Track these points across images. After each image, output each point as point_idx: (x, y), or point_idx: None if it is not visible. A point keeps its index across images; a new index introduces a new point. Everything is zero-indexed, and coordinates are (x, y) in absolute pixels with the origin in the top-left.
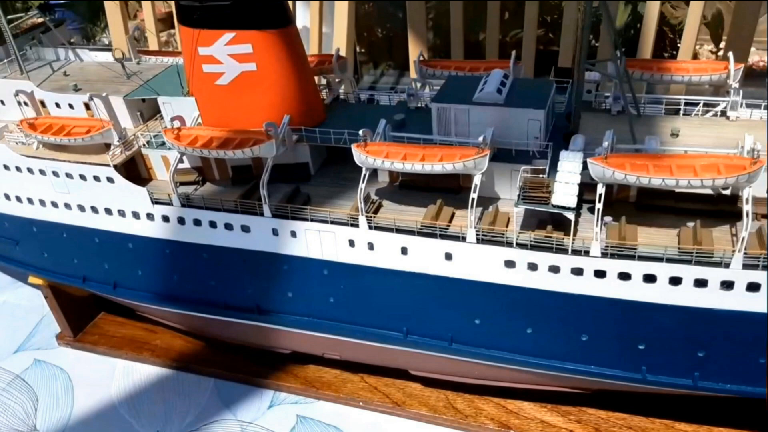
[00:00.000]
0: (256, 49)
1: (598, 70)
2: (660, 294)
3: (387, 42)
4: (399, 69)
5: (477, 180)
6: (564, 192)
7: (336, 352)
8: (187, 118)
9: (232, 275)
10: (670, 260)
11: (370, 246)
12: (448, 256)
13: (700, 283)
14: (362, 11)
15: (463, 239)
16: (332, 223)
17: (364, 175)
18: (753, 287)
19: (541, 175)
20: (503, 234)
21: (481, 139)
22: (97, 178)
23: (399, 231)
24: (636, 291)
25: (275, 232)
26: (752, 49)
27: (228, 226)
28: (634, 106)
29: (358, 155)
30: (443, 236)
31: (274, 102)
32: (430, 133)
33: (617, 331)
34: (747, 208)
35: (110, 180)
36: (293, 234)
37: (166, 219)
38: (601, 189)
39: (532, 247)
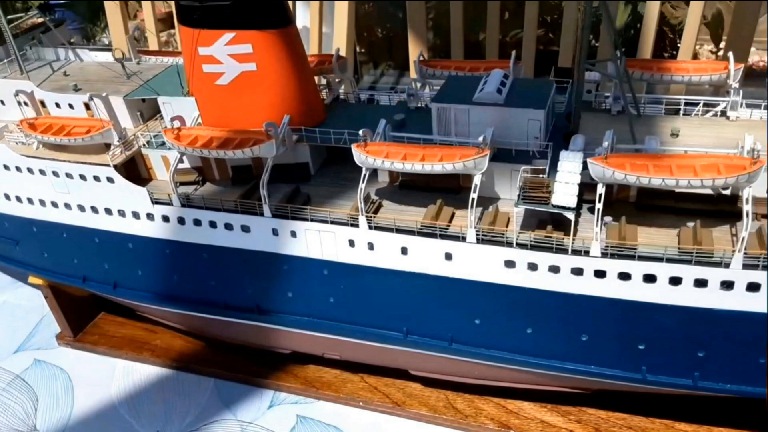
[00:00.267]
0: (256, 49)
1: (598, 70)
2: (660, 294)
3: (387, 42)
4: (399, 69)
5: (477, 180)
6: (564, 192)
7: (336, 352)
8: (187, 118)
9: (232, 275)
10: (670, 260)
11: (370, 246)
12: (448, 256)
13: (700, 283)
14: (362, 11)
15: (463, 239)
16: (332, 223)
17: (364, 175)
18: (753, 287)
19: (541, 175)
20: (503, 234)
21: (481, 139)
22: (97, 178)
23: (399, 231)
24: (636, 291)
25: (275, 232)
26: (752, 49)
27: (228, 226)
28: (634, 106)
29: (358, 155)
30: (443, 236)
31: (274, 102)
32: (430, 133)
33: (617, 331)
34: (747, 208)
35: (110, 180)
36: (293, 234)
37: (166, 219)
38: (601, 189)
39: (532, 247)
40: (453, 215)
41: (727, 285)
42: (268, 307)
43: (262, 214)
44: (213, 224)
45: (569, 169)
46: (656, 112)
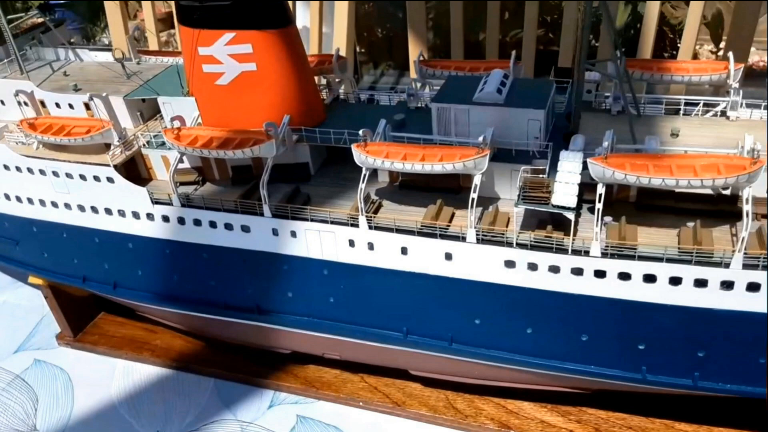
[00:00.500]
0: (256, 49)
1: (598, 70)
2: (660, 294)
3: (387, 42)
4: (399, 69)
5: (477, 180)
6: (564, 192)
7: (336, 352)
8: (187, 118)
9: (232, 275)
10: (670, 260)
11: (370, 246)
12: (448, 256)
13: (700, 283)
14: (362, 11)
15: (463, 239)
16: (332, 223)
17: (364, 175)
18: (753, 287)
19: (541, 175)
20: (503, 234)
21: (481, 139)
22: (97, 178)
23: (399, 231)
24: (636, 291)
25: (275, 232)
26: (752, 49)
27: (228, 226)
28: (634, 106)
29: (358, 155)
30: (443, 236)
31: (274, 102)
32: (430, 133)
33: (617, 331)
34: (747, 208)
35: (110, 180)
36: (293, 234)
37: (166, 219)
38: (601, 189)
39: (532, 247)
40: (453, 215)
41: (727, 285)
42: (268, 307)
43: (262, 214)
44: (213, 224)
45: (569, 169)
46: (656, 112)
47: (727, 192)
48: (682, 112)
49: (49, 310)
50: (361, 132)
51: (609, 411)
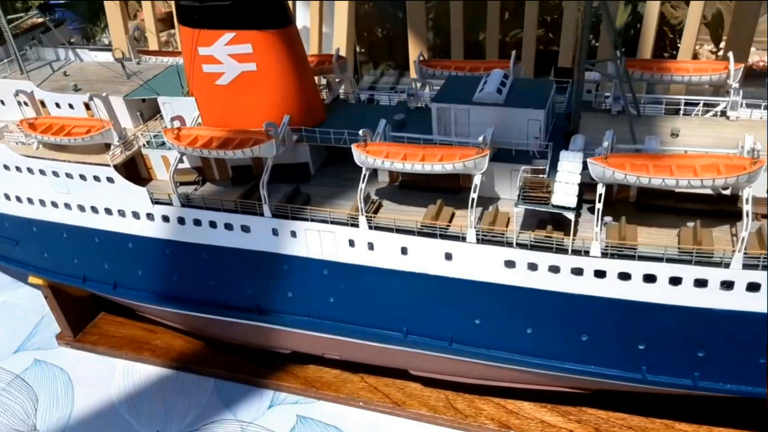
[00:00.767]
0: (256, 49)
1: (598, 70)
2: (660, 294)
3: (387, 42)
4: (399, 69)
5: (477, 180)
6: (564, 192)
7: (336, 352)
8: (187, 118)
9: (232, 275)
10: (670, 260)
11: (370, 246)
12: (448, 256)
13: (700, 283)
14: (362, 11)
15: (463, 239)
16: (332, 223)
17: (364, 175)
18: (753, 287)
19: (541, 175)
20: (503, 234)
21: (481, 139)
22: (97, 178)
23: (399, 231)
24: (636, 291)
25: (275, 232)
26: (752, 49)
27: (228, 226)
28: (634, 106)
29: (358, 155)
30: (443, 236)
31: (274, 102)
32: (430, 133)
33: (617, 331)
34: (747, 208)
35: (110, 180)
36: (293, 234)
37: (166, 219)
38: (601, 189)
39: (532, 247)
40: (453, 215)
41: (727, 285)
42: (268, 307)
43: (262, 214)
44: (213, 224)
45: (569, 169)
46: (656, 112)
47: (727, 192)
48: (682, 112)
49: (49, 310)
50: (361, 132)
51: (609, 411)
